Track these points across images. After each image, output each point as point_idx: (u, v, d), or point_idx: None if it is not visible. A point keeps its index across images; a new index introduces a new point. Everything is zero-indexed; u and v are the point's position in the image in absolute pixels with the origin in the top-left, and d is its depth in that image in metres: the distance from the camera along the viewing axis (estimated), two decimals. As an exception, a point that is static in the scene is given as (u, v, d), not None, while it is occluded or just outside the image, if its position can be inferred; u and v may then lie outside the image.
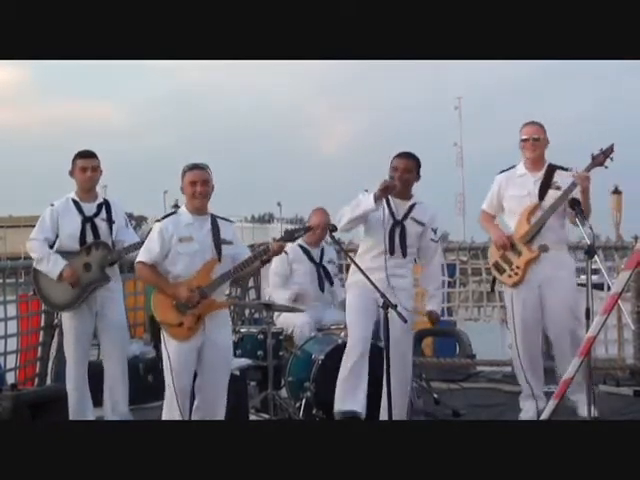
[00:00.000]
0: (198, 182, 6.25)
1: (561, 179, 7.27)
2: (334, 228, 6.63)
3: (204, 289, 6.24)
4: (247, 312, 10.80)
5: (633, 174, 7.83)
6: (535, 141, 7.26)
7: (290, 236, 6.55)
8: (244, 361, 7.69)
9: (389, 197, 6.82)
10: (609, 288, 6.37)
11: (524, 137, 7.30)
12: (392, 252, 6.85)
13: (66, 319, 7.40)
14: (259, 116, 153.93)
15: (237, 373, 7.36)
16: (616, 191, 7.20)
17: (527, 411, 7.40)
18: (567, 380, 6.00)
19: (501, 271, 7.36)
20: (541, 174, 7.32)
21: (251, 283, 11.68)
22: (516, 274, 7.22)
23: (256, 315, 10.34)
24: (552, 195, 7.23)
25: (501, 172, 7.52)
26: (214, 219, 6.42)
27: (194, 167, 6.32)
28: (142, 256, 6.34)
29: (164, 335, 6.29)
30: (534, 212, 7.21)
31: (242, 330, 8.41)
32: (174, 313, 6.24)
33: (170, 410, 6.25)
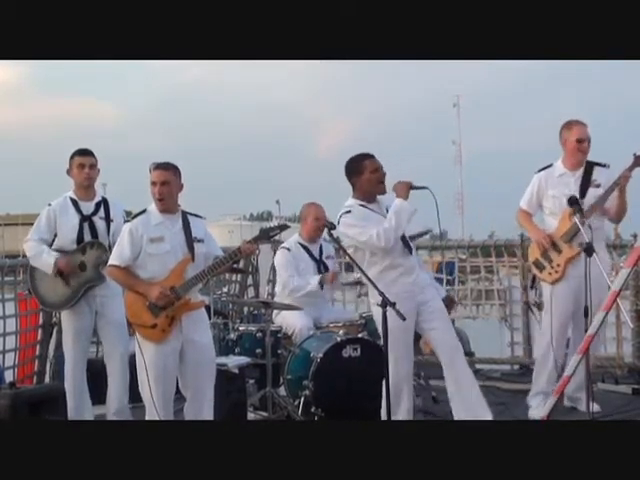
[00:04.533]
0: (157, 183, 6.15)
1: (599, 176, 7.33)
2: (332, 226, 6.54)
3: (178, 289, 6.15)
4: (246, 310, 10.80)
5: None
6: (589, 142, 7.33)
7: (264, 235, 6.39)
8: (243, 359, 7.70)
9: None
10: (608, 286, 6.35)
11: (579, 137, 7.30)
12: (410, 250, 6.76)
13: (65, 317, 7.40)
14: (259, 114, 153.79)
15: (236, 371, 7.37)
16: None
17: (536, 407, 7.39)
18: (566, 377, 6.01)
19: (541, 268, 7.44)
20: (580, 172, 7.36)
21: (250, 281, 11.69)
22: (556, 272, 7.30)
23: (255, 313, 10.33)
24: (592, 193, 7.28)
25: (539, 171, 7.53)
26: (185, 216, 6.33)
27: (157, 167, 6.20)
28: (114, 259, 6.25)
29: (138, 338, 6.21)
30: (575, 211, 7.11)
31: (241, 328, 8.40)
32: (147, 314, 6.16)
33: (150, 418, 6.18)
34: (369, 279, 6.22)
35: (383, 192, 6.77)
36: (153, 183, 6.17)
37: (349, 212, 6.64)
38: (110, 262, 6.30)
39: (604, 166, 7.37)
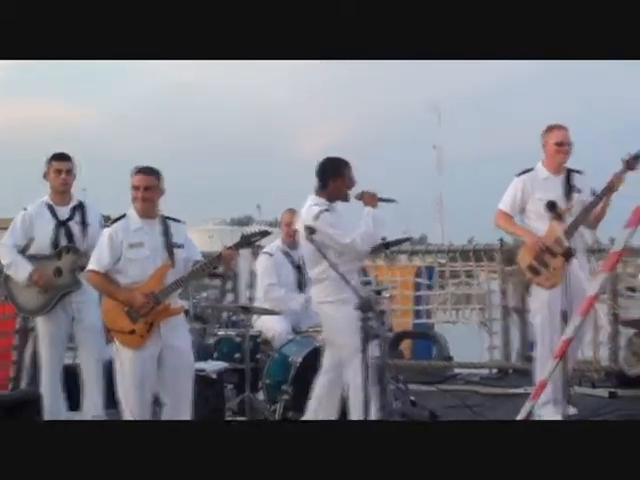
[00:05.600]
0: (140, 188, 6.13)
1: (577, 182, 7.33)
2: (312, 230, 6.52)
3: (157, 295, 6.12)
4: (225, 315, 10.78)
5: (607, 177, 7.84)
6: (570, 145, 7.31)
7: (245, 241, 6.40)
8: (221, 364, 7.68)
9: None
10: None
11: (559, 141, 7.28)
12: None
13: (41, 323, 7.34)
14: (241, 117, 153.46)
15: (214, 376, 7.35)
16: (592, 194, 7.20)
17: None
18: (543, 381, 6.02)
19: (537, 273, 7.30)
20: (562, 177, 7.35)
21: (229, 286, 11.68)
22: (554, 276, 7.14)
23: (233, 317, 10.32)
24: (577, 199, 7.26)
25: (521, 174, 7.45)
26: (164, 221, 6.30)
27: (139, 171, 6.18)
28: (93, 264, 6.22)
29: (116, 344, 6.19)
30: (565, 215, 7.13)
31: (219, 333, 8.39)
32: (125, 320, 6.13)
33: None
34: (347, 281, 6.20)
35: (347, 200, 6.84)
36: (135, 188, 6.14)
37: (327, 210, 6.66)
38: (89, 267, 6.26)
39: (579, 173, 7.39)
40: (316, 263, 6.70)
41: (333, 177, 6.75)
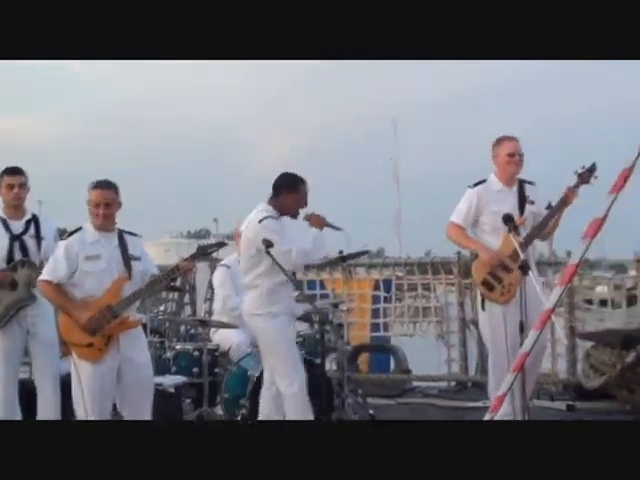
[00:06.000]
0: (101, 204, 6.12)
1: (531, 193, 7.28)
2: (269, 244, 6.53)
3: (115, 308, 6.09)
4: (182, 328, 10.73)
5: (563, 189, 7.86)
6: (521, 157, 7.23)
7: (202, 252, 6.38)
8: (179, 378, 7.64)
9: None
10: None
11: (510, 152, 7.20)
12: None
13: (-4, 337, 7.26)
14: (197, 130, 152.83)
15: (172, 390, 7.31)
16: (548, 207, 7.20)
17: None
18: (502, 395, 6.03)
19: (491, 288, 7.14)
20: (515, 189, 7.28)
21: (186, 299, 11.63)
22: (508, 291, 7.05)
23: (191, 331, 10.28)
24: (529, 210, 7.21)
25: (475, 186, 7.33)
26: (121, 235, 6.29)
27: (98, 186, 6.15)
28: (47, 275, 6.17)
29: (74, 357, 6.12)
30: (520, 227, 7.05)
31: (177, 347, 8.34)
32: (82, 333, 6.07)
33: None
34: (302, 293, 6.23)
35: (295, 217, 6.90)
36: (95, 204, 6.11)
37: (273, 218, 6.71)
38: (42, 277, 6.21)
39: (531, 183, 7.34)
40: (251, 269, 6.77)
41: (288, 191, 6.81)
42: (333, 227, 6.89)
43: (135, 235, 6.41)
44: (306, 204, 6.88)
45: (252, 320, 6.82)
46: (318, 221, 6.78)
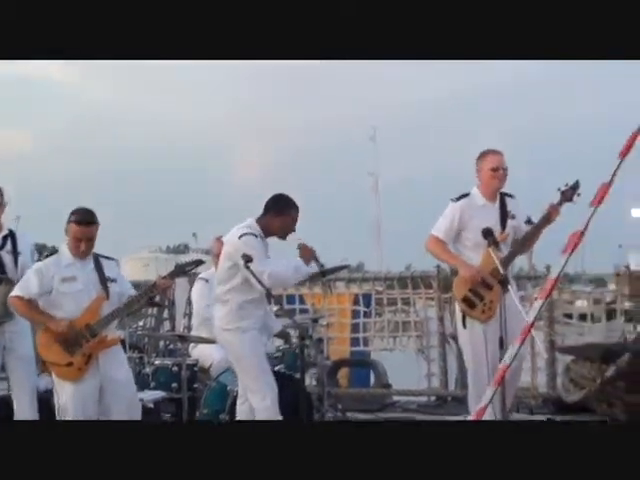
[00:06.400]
0: (83, 240, 6.18)
1: (513, 207, 7.20)
2: (249, 259, 6.50)
3: (93, 327, 6.13)
4: (161, 344, 10.68)
5: (543, 202, 7.80)
6: (505, 171, 7.13)
7: (180, 270, 6.44)
8: (158, 393, 7.60)
9: None
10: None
11: (494, 166, 7.09)
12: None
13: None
14: (174, 136, 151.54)
15: (151, 405, 7.27)
16: (528, 221, 7.18)
17: None
18: (482, 409, 6.03)
19: (472, 306, 7.02)
20: (497, 203, 7.19)
21: (165, 314, 11.58)
22: (489, 309, 6.94)
23: (170, 346, 10.23)
24: (510, 225, 7.14)
25: (457, 200, 7.20)
26: (96, 258, 6.36)
27: (81, 222, 6.19)
28: (18, 291, 6.23)
29: (54, 377, 6.15)
30: (501, 243, 6.96)
31: (156, 362, 8.30)
32: (61, 352, 6.10)
33: None
34: (282, 307, 6.23)
35: (284, 238, 6.88)
36: (76, 239, 6.17)
37: (254, 235, 6.67)
38: (13, 293, 6.26)
39: (511, 197, 7.25)
40: (225, 282, 6.76)
41: (275, 213, 6.79)
42: (318, 265, 6.86)
43: (111, 259, 6.50)
44: (293, 229, 6.83)
45: (222, 335, 6.81)
46: (307, 253, 6.73)
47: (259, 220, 6.79)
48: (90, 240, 6.21)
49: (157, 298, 6.76)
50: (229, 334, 6.71)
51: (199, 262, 6.67)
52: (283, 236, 6.85)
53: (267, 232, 6.78)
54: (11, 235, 7.25)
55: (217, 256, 8.33)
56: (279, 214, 6.78)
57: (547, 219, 7.04)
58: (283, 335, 8.48)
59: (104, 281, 6.26)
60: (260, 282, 6.39)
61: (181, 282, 10.57)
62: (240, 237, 6.63)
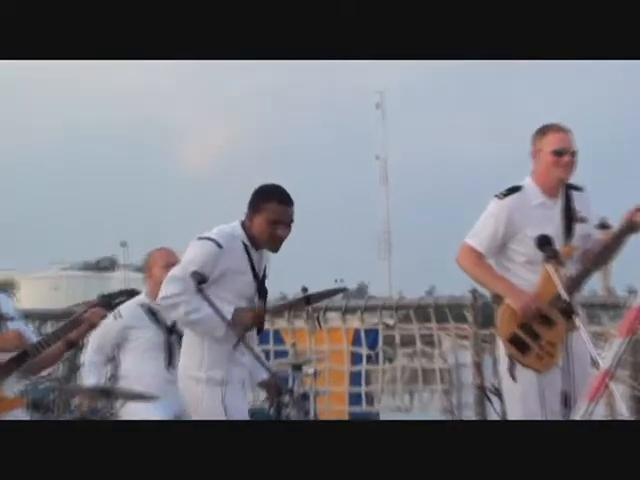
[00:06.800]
0: None
1: (582, 206, 7.12)
2: (202, 279, 6.47)
3: None
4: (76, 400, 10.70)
5: (622, 204, 7.59)
6: (573, 155, 7.03)
7: (105, 303, 6.55)
8: None
9: None
10: (592, 361, 6.33)
11: (558, 148, 6.98)
12: None
13: None
14: (100, 133, 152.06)
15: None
16: (604, 226, 7.10)
17: None
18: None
19: (524, 349, 6.96)
20: (561, 201, 7.08)
21: (81, 359, 11.56)
22: (548, 353, 6.89)
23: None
24: (579, 231, 7.06)
25: (504, 196, 7.11)
26: None
27: None
28: None
29: None
30: (566, 258, 6.86)
31: (68, 427, 8.30)
32: None
33: None
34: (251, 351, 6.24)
35: (273, 250, 6.91)
36: None
37: (213, 242, 6.68)
38: None
39: (579, 189, 7.17)
40: None
41: (251, 210, 6.85)
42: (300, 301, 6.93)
43: (4, 292, 6.81)
44: (279, 235, 6.79)
45: (186, 383, 6.86)
46: (250, 320, 6.79)
47: (243, 223, 6.85)
48: None
49: (73, 335, 6.80)
50: (196, 385, 6.73)
51: (132, 292, 6.78)
52: (270, 245, 6.83)
53: (251, 240, 6.82)
54: None
55: (151, 270, 8.31)
56: (254, 212, 6.80)
57: (631, 225, 6.93)
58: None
59: None
60: (209, 300, 6.39)
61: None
62: (198, 239, 6.71)
